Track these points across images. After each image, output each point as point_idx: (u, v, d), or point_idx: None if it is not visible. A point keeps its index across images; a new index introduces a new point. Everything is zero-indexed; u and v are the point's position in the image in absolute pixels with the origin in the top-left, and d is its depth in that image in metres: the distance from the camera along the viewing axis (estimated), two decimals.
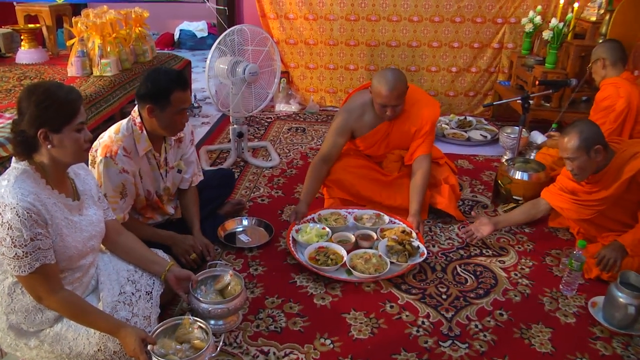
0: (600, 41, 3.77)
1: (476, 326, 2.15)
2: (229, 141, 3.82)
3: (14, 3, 4.69)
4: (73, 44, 3.69)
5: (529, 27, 4.32)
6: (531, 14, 4.32)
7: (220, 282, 2.07)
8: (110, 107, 3.52)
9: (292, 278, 2.43)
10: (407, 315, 2.21)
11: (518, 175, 2.92)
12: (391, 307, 2.26)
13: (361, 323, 2.15)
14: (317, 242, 2.57)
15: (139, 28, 4.18)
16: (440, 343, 2.05)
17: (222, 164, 3.66)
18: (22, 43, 4.23)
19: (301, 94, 5.15)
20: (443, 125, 4.41)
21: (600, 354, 2.02)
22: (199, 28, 7.91)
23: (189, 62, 4.90)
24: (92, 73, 3.70)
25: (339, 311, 2.22)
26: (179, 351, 1.67)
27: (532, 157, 3.37)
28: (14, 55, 4.32)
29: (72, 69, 3.67)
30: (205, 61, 3.41)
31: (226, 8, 5.16)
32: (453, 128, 4.41)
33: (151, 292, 1.92)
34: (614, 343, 2.08)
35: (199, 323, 1.76)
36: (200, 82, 5.55)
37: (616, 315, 2.08)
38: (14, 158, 1.62)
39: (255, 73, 3.38)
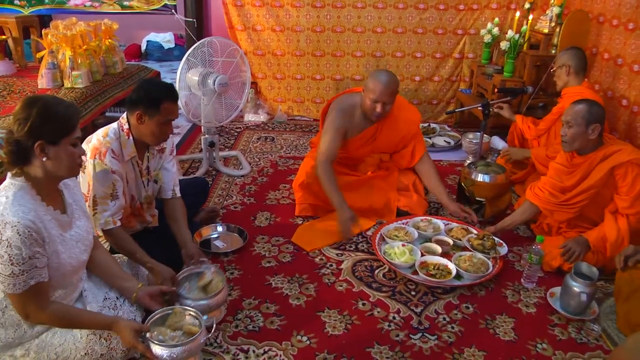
0: (553, 51, 3.99)
1: (444, 319, 2.28)
2: (200, 151, 3.88)
3: None
4: (43, 56, 3.69)
5: (487, 38, 4.54)
6: (489, 25, 4.53)
7: (203, 279, 2.15)
8: (82, 119, 3.53)
9: (267, 280, 2.52)
10: (378, 312, 2.31)
11: (480, 177, 3.06)
12: (363, 304, 2.36)
13: (335, 320, 2.25)
14: (414, 260, 2.59)
15: (109, 40, 4.19)
16: (411, 336, 2.17)
17: (194, 174, 3.71)
18: None
19: (269, 104, 5.23)
20: None
21: (557, 339, 2.18)
22: (165, 39, 7.92)
23: (159, 73, 4.93)
24: (63, 85, 3.69)
25: (313, 310, 2.31)
26: (174, 337, 1.75)
27: (493, 161, 3.53)
28: None
29: (43, 81, 3.67)
30: (172, 72, 3.47)
31: (194, 20, 5.22)
32: None
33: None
34: (569, 328, 2.24)
35: (188, 311, 1.85)
36: None
37: (571, 303, 2.25)
38: (9, 174, 1.64)
39: (225, 84, 3.46)
